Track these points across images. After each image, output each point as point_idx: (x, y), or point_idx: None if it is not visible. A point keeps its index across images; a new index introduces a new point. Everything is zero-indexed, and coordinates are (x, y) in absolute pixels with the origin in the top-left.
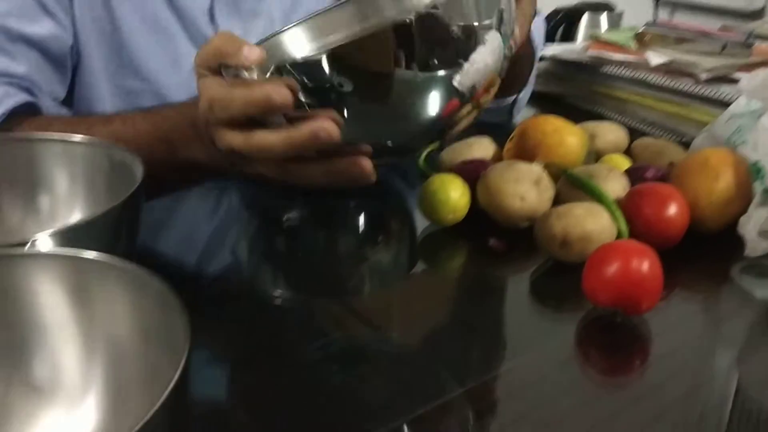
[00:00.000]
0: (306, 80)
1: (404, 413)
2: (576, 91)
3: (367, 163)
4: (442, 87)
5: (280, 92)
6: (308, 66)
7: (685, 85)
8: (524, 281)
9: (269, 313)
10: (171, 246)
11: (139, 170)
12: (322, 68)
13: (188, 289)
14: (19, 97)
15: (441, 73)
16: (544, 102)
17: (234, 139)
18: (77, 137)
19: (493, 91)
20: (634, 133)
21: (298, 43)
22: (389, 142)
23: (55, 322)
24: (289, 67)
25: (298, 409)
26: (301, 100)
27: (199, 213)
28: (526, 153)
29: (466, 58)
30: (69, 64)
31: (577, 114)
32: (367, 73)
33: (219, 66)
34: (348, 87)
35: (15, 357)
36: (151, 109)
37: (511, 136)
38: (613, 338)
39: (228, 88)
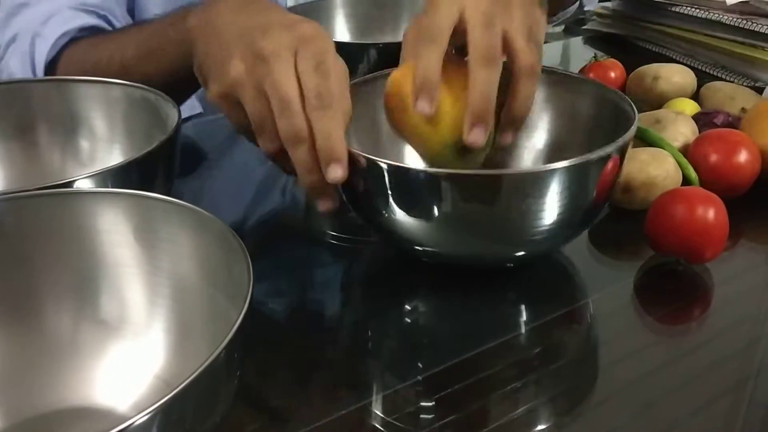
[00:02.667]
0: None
1: (471, 349)
2: (643, 33)
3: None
4: None
5: (336, 173)
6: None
7: (761, 26)
8: None
9: (324, 251)
10: (223, 186)
11: (174, 114)
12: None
13: (242, 228)
14: (85, 20)
15: None
16: (608, 44)
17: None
18: (114, 80)
19: None
20: (703, 78)
21: None
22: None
23: (122, 260)
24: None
25: (356, 346)
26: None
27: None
28: None
29: None
30: None
31: (643, 56)
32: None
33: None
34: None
35: (84, 293)
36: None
37: None
38: (674, 286)
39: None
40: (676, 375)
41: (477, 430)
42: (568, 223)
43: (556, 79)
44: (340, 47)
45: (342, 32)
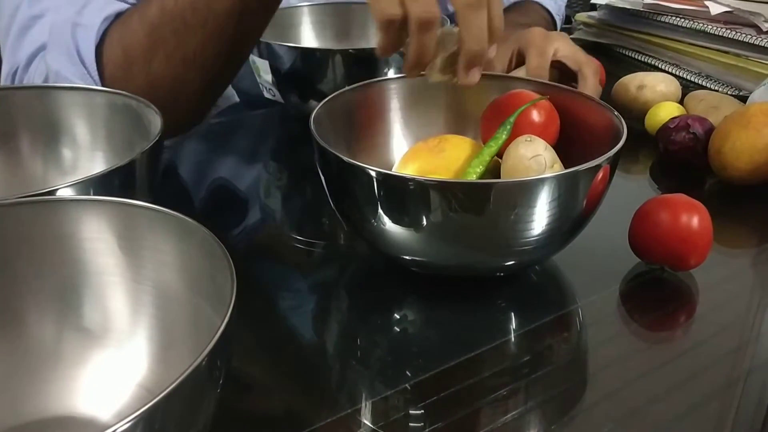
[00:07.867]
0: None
1: (459, 355)
2: (629, 42)
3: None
4: None
5: None
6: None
7: (745, 35)
8: None
9: (311, 259)
10: (208, 193)
11: (157, 121)
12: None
13: (226, 235)
14: (121, 6)
15: None
16: (594, 53)
17: None
18: (96, 87)
19: None
20: (688, 87)
21: None
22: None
23: (104, 268)
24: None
25: (344, 354)
26: None
27: (235, 162)
28: None
29: None
30: None
31: (628, 65)
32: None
33: None
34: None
35: (66, 301)
36: None
37: None
38: (659, 293)
39: None
40: (662, 381)
41: None
42: (557, 233)
43: (551, 92)
44: (307, 54)
45: (309, 39)
